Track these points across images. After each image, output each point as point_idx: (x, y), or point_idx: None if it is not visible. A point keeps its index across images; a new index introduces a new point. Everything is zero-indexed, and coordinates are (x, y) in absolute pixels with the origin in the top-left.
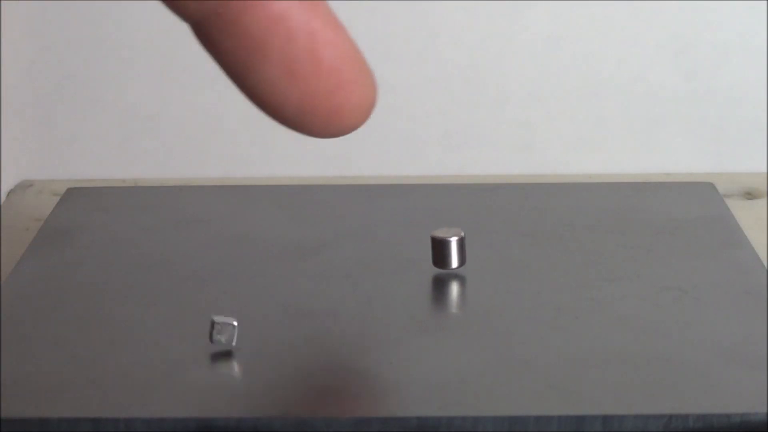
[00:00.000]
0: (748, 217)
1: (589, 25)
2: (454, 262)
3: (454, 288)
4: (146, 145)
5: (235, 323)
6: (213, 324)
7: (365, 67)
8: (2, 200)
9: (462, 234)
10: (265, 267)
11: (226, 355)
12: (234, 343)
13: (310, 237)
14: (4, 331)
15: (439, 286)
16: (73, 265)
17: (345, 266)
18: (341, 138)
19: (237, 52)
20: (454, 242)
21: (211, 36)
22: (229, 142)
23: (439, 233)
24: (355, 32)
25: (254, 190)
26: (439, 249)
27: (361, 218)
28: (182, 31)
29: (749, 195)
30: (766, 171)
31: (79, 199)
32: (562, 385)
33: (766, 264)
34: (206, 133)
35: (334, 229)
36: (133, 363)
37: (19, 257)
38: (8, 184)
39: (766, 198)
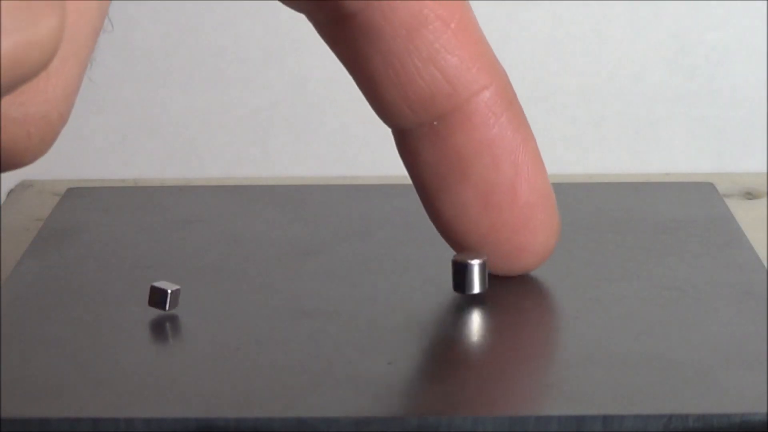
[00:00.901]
0: (748, 217)
1: (589, 25)
2: (476, 288)
3: (454, 288)
4: (146, 145)
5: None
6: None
7: (555, 210)
8: (2, 200)
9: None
10: (265, 267)
11: (226, 355)
12: (167, 309)
13: (310, 237)
14: (4, 331)
15: (439, 285)
16: (73, 265)
17: (345, 266)
18: (341, 138)
19: (439, 167)
20: (476, 266)
21: (416, 145)
22: (229, 142)
23: (459, 257)
24: None
25: (254, 190)
26: (460, 273)
27: (362, 218)
28: (182, 31)
29: (749, 195)
30: (766, 171)
31: (79, 199)
32: (562, 385)
33: (766, 264)
34: (206, 133)
35: (334, 229)
36: (133, 363)
37: (19, 257)
38: (8, 184)
39: (766, 198)
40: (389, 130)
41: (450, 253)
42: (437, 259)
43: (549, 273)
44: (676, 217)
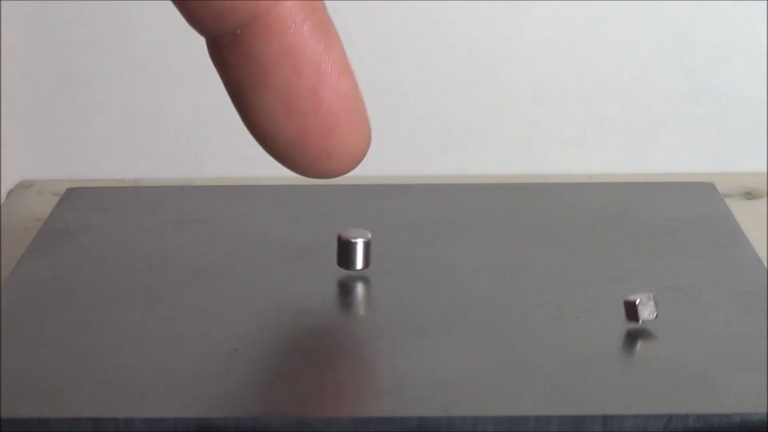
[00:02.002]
0: (748, 217)
1: (589, 25)
2: (359, 263)
3: (455, 288)
4: (146, 145)
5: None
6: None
7: (364, 117)
8: (2, 200)
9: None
10: (265, 267)
11: (225, 355)
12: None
13: (310, 237)
14: (4, 331)
15: (440, 285)
16: (73, 265)
17: None
18: None
19: (243, 75)
20: (360, 244)
21: (223, 54)
22: (229, 142)
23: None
24: (356, 32)
25: (254, 190)
26: (345, 250)
27: (361, 218)
28: (182, 31)
29: (749, 195)
30: (766, 171)
31: (79, 199)
32: (562, 385)
33: (766, 264)
34: (206, 133)
35: (334, 229)
36: (133, 363)
37: (19, 257)
38: (8, 184)
39: (766, 198)
40: (390, 130)
41: (459, 257)
42: (437, 259)
43: (549, 273)
44: (676, 217)
